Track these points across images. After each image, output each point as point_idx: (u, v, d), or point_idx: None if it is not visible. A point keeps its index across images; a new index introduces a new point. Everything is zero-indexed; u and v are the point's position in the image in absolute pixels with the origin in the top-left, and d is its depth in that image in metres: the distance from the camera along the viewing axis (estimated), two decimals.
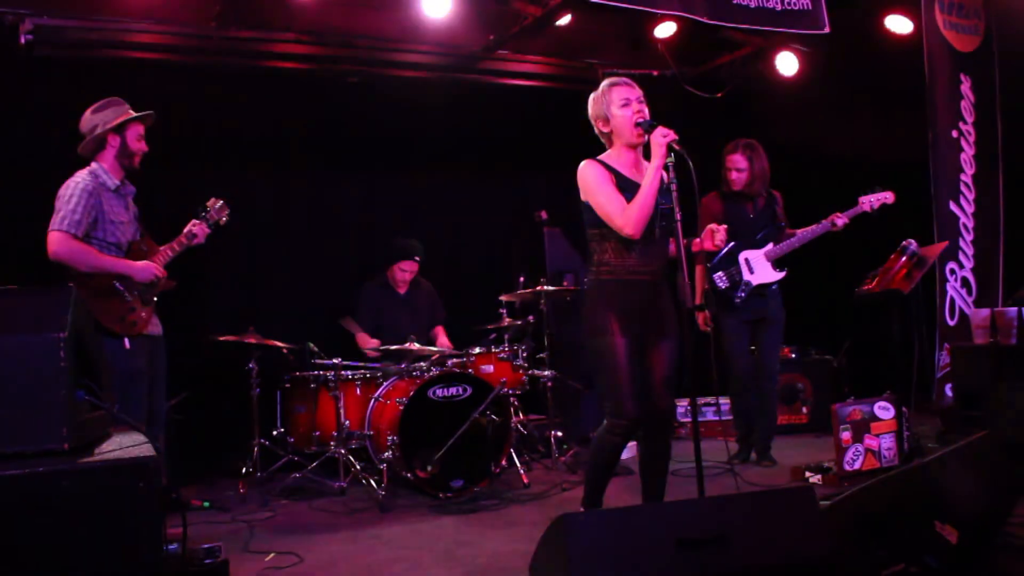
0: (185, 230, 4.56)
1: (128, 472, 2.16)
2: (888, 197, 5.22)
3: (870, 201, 5.24)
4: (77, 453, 2.23)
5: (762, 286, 5.50)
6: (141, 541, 2.15)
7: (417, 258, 6.22)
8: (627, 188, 3.57)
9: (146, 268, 4.37)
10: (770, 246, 5.52)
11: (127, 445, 2.38)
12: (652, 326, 3.64)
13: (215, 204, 4.70)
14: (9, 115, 5.61)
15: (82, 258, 4.18)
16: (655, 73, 7.39)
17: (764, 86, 7.16)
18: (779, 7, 5.10)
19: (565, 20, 6.40)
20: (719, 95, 7.35)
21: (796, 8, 5.16)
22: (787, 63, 6.76)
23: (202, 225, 4.60)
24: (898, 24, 6.30)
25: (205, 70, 6.23)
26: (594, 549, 2.46)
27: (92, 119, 4.39)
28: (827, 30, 5.24)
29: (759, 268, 5.54)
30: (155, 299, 4.48)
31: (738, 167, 5.52)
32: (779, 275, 5.50)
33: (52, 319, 2.27)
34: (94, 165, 4.37)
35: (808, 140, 7.05)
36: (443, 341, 6.25)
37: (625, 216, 3.50)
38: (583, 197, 3.65)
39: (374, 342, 5.96)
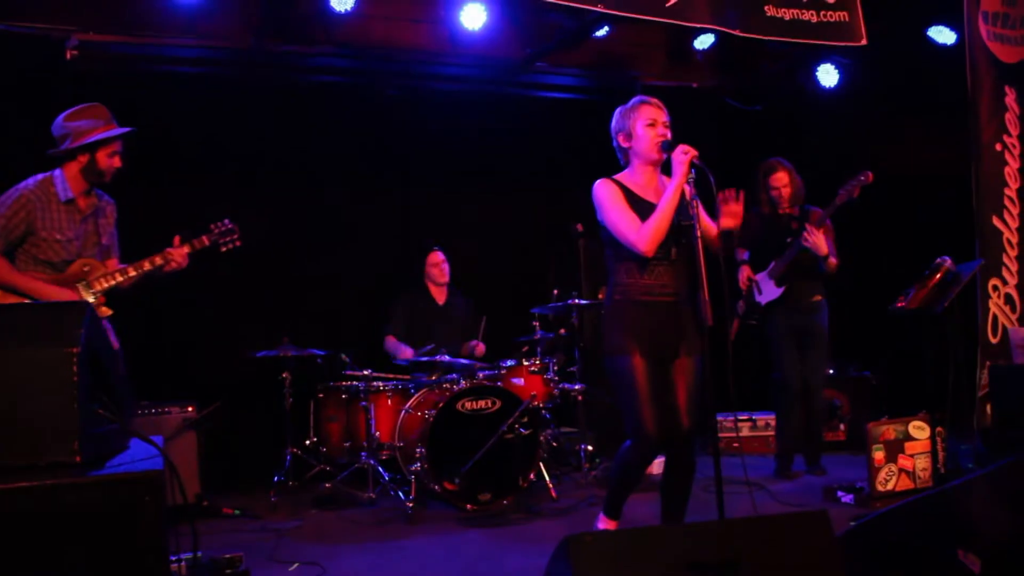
0: (163, 253, 4.25)
1: (134, 486, 2.19)
2: (866, 178, 5.16)
3: (847, 192, 5.20)
4: (88, 466, 2.26)
5: (799, 301, 5.51)
6: (146, 555, 2.17)
7: (437, 247, 6.31)
8: (640, 207, 3.57)
9: (55, 295, 3.99)
10: (772, 264, 5.54)
11: (138, 459, 2.41)
12: (672, 346, 3.60)
13: (220, 227, 4.48)
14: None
15: None
16: (695, 85, 7.36)
17: (804, 98, 7.07)
18: (815, 19, 5.03)
19: (602, 32, 6.39)
20: (759, 107, 7.28)
21: (833, 20, 5.08)
22: (827, 75, 6.67)
23: (182, 248, 4.29)
24: (941, 35, 6.18)
25: (244, 84, 6.33)
26: (601, 571, 2.43)
27: (64, 126, 4.10)
28: (864, 42, 5.16)
29: (765, 288, 5.62)
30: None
31: (783, 183, 5.57)
32: (778, 291, 5.54)
33: (66, 334, 2.31)
34: (55, 172, 4.14)
35: (849, 152, 6.93)
36: (477, 353, 6.25)
37: (639, 234, 3.50)
38: (599, 217, 3.66)
39: (408, 351, 5.99)
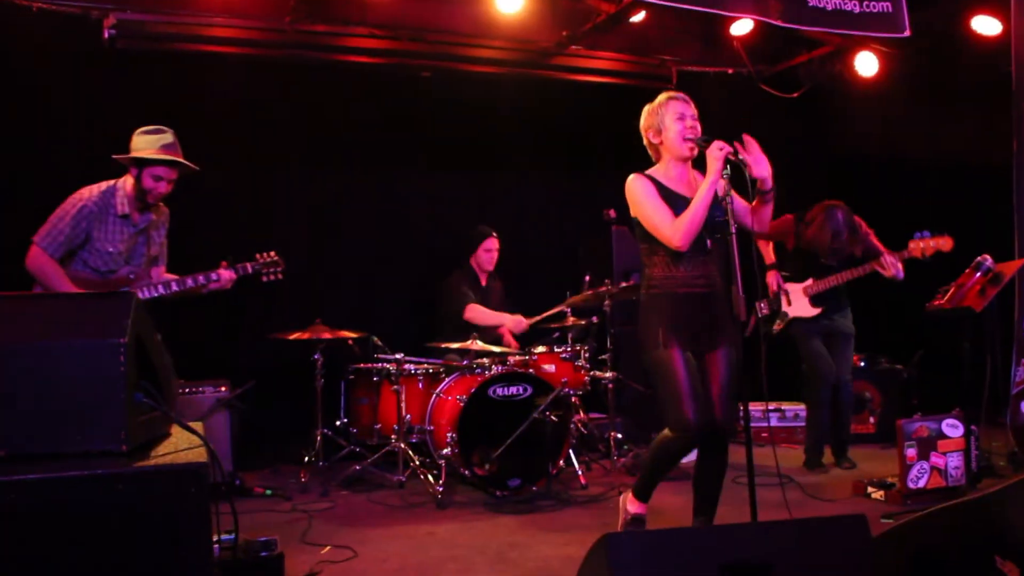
0: (208, 273, 4.50)
1: (181, 477, 2.22)
2: (945, 244, 5.00)
3: (921, 248, 5.05)
4: (134, 455, 2.30)
5: (831, 316, 5.50)
6: (191, 546, 2.20)
7: (494, 234, 6.32)
8: (673, 201, 3.58)
9: None
10: (809, 281, 5.49)
11: (182, 448, 2.44)
12: (707, 338, 3.62)
13: (265, 258, 4.71)
14: (92, 108, 5.78)
15: (46, 279, 4.19)
16: (730, 71, 7.32)
17: (842, 86, 6.98)
18: (857, 9, 4.95)
19: (639, 17, 6.34)
20: (795, 94, 7.20)
21: (875, 11, 5.00)
22: (866, 63, 6.58)
23: (229, 272, 4.54)
24: (985, 25, 6.05)
25: (279, 64, 6.33)
26: (637, 571, 2.44)
27: (134, 140, 4.33)
28: (907, 33, 5.07)
29: (796, 302, 5.56)
30: None
31: (841, 231, 5.38)
32: (814, 311, 5.50)
33: (114, 325, 2.33)
34: (118, 183, 4.35)
35: (887, 143, 6.86)
36: (508, 340, 6.25)
37: (673, 228, 3.52)
38: (632, 212, 3.68)
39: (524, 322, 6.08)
